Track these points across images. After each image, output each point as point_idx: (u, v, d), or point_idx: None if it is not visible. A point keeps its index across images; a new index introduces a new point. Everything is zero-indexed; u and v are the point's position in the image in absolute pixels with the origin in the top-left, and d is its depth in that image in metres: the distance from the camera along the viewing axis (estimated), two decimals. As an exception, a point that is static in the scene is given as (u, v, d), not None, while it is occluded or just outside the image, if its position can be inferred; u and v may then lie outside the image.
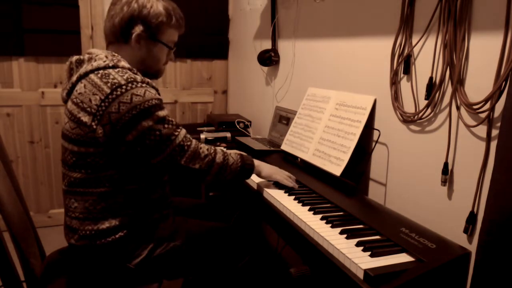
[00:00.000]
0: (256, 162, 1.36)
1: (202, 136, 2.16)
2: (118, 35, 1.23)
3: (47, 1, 2.45)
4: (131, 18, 1.21)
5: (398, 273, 0.88)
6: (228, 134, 2.22)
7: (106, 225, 1.18)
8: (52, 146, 2.68)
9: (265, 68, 2.31)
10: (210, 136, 2.18)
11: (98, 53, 1.21)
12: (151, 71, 1.31)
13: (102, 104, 1.10)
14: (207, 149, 1.22)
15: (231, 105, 2.97)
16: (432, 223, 1.19)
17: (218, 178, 1.24)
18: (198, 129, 2.29)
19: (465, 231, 1.10)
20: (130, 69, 1.18)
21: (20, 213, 1.21)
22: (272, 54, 2.13)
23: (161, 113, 1.14)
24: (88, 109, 1.11)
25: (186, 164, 1.17)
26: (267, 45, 2.22)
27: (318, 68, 1.81)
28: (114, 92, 1.09)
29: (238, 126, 2.33)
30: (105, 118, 1.10)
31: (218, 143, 2.11)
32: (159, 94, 1.19)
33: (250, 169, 1.32)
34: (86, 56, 1.20)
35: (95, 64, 1.16)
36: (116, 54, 1.22)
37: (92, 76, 1.14)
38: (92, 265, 1.23)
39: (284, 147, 1.74)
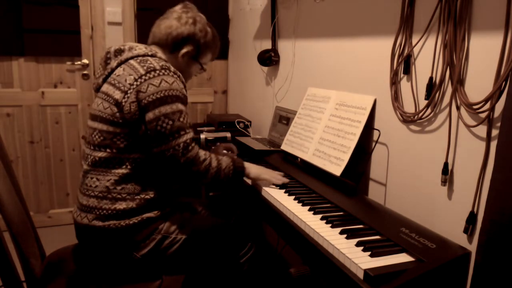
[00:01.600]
0: (245, 164, 1.41)
1: (202, 136, 2.16)
2: (169, 44, 1.36)
3: (47, 1, 2.45)
4: (187, 37, 1.36)
5: (398, 273, 0.88)
6: (228, 134, 2.21)
7: (123, 206, 1.22)
8: (52, 146, 2.68)
9: (265, 68, 2.31)
10: (210, 136, 2.18)
11: (138, 45, 1.32)
12: None
13: (135, 83, 1.20)
14: (204, 154, 1.28)
15: (231, 105, 2.97)
16: (432, 223, 1.19)
17: (212, 181, 1.30)
18: (198, 129, 2.29)
19: (465, 231, 1.10)
20: (165, 61, 1.29)
21: (20, 213, 1.21)
22: (272, 54, 2.13)
23: (181, 106, 1.22)
24: (122, 87, 1.22)
25: (185, 165, 1.22)
26: (267, 45, 2.22)
27: (318, 68, 1.81)
28: (148, 74, 1.20)
29: (238, 126, 2.33)
30: (133, 96, 1.19)
31: (218, 143, 2.11)
32: (186, 91, 1.28)
33: (241, 172, 1.37)
34: (127, 46, 1.31)
35: (135, 52, 1.28)
36: (153, 49, 1.33)
37: (131, 61, 1.26)
38: (101, 248, 1.26)
39: (284, 147, 1.75)
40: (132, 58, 1.27)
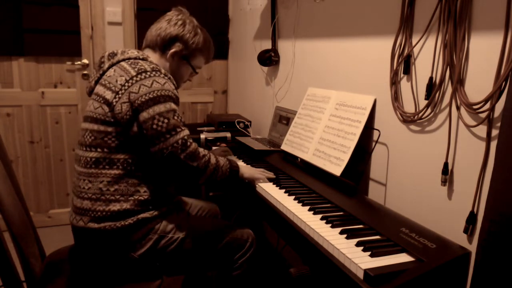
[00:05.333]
0: (238, 164, 1.43)
1: (202, 136, 2.16)
2: (159, 45, 1.40)
3: (47, 1, 2.45)
4: (175, 37, 1.39)
5: (398, 273, 0.88)
6: (228, 134, 2.21)
7: (117, 207, 1.22)
8: (52, 146, 2.68)
9: (265, 68, 2.31)
10: (210, 136, 2.18)
11: (130, 49, 1.36)
12: None
13: (126, 84, 1.22)
14: (203, 150, 1.30)
15: (231, 105, 2.97)
16: (432, 223, 1.19)
17: (210, 178, 1.31)
18: (198, 129, 2.29)
19: (465, 231, 1.10)
20: (156, 65, 1.30)
21: (20, 213, 1.21)
22: (272, 54, 2.13)
23: (174, 105, 1.24)
24: (113, 88, 1.24)
25: (185, 160, 1.23)
26: (267, 45, 2.22)
27: (318, 68, 1.81)
28: (139, 76, 1.22)
29: (238, 126, 2.33)
30: (125, 97, 1.21)
31: (218, 143, 2.12)
32: (177, 93, 1.30)
33: (236, 171, 1.39)
34: (120, 50, 1.35)
35: (127, 55, 1.32)
36: (146, 53, 1.38)
37: (122, 63, 1.29)
38: (98, 250, 1.26)
39: (284, 147, 1.75)
40: (123, 60, 1.29)
